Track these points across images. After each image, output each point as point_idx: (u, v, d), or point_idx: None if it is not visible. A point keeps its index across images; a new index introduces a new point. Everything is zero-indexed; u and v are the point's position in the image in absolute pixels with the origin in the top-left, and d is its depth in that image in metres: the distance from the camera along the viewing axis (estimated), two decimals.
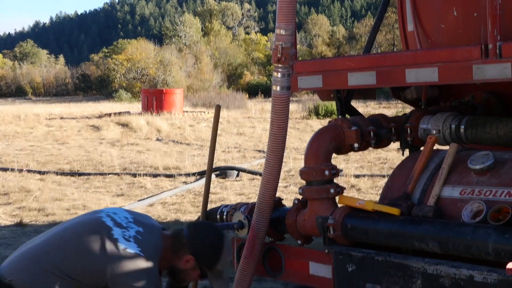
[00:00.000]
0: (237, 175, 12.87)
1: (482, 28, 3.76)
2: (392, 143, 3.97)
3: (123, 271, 3.22)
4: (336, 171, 3.63)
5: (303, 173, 3.66)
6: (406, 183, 3.48)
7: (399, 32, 5.00)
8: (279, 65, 3.34)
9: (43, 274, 3.27)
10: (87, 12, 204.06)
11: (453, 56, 3.36)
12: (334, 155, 3.73)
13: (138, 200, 10.80)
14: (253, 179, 12.51)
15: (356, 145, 3.69)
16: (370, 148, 3.88)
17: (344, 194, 3.63)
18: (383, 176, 11.46)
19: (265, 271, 3.90)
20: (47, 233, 3.56)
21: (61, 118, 28.41)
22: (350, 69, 3.78)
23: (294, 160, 14.17)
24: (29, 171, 14.12)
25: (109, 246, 3.26)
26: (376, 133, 3.76)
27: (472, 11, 4.01)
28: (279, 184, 10.84)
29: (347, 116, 4.19)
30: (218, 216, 4.18)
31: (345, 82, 3.78)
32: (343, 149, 3.74)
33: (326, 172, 3.57)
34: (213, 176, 12.53)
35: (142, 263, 3.25)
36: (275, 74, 3.41)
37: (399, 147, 3.94)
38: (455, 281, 2.93)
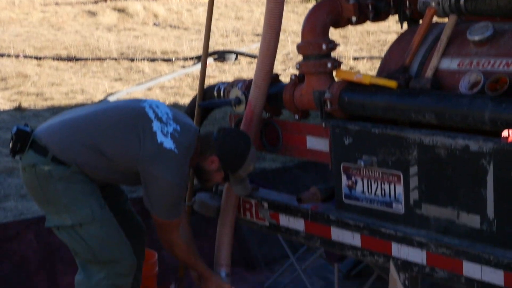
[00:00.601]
0: (236, 59, 12.78)
1: None
2: (391, 17, 3.91)
3: (155, 164, 3.27)
4: (333, 45, 3.59)
5: (300, 48, 3.62)
6: (404, 56, 3.44)
7: None
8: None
9: (80, 147, 3.32)
10: None
11: None
12: (332, 35, 3.68)
13: (137, 84, 10.78)
14: (251, 62, 12.43)
15: (354, 18, 3.63)
16: (370, 30, 3.82)
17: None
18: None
19: (262, 146, 3.93)
20: (89, 108, 3.68)
21: (56, 3, 27.92)
22: None
23: (292, 43, 14.01)
24: (25, 56, 14.01)
25: (147, 137, 3.30)
26: (375, 6, 3.69)
27: None
28: (277, 67, 10.81)
29: None
30: (215, 93, 4.17)
31: None
32: (340, 23, 3.68)
33: (324, 46, 3.53)
34: (211, 60, 12.44)
35: (175, 160, 3.30)
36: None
37: (397, 20, 3.88)
38: (450, 151, 2.96)
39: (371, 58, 12.01)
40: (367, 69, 10.95)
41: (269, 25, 3.51)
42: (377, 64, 11.85)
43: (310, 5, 23.64)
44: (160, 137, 3.30)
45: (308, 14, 3.63)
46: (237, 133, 3.55)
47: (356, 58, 11.95)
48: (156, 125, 3.34)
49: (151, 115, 3.37)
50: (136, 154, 3.29)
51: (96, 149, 3.31)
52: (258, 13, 21.11)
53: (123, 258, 3.42)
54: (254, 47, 14.12)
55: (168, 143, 3.29)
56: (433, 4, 3.64)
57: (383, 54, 11.77)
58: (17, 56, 13.84)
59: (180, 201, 3.45)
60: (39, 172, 3.31)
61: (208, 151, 3.42)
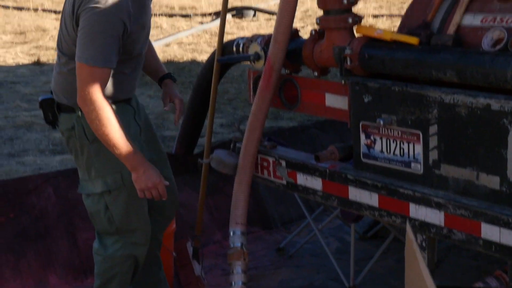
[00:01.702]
0: (254, 15, 12.68)
1: None
2: None
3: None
4: (354, 0, 3.52)
5: (320, 2, 3.56)
6: (426, 12, 3.37)
7: None
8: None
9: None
10: None
11: None
12: None
13: (155, 40, 10.73)
14: (270, 19, 12.34)
15: None
16: None
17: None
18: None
19: (281, 103, 3.89)
20: None
21: None
22: None
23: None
24: (44, 10, 13.97)
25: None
26: None
27: None
28: (296, 25, 10.70)
29: None
30: (234, 48, 4.12)
31: None
32: None
33: (344, 0, 3.46)
34: (229, 16, 12.34)
35: None
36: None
37: None
38: (471, 110, 2.90)
39: (390, 16, 11.87)
40: (387, 27, 10.84)
41: None
42: (397, 22, 11.78)
43: None
44: None
45: None
46: None
47: (375, 16, 11.82)
48: None
49: None
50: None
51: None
52: None
53: (139, 228, 3.41)
54: (273, 3, 13.99)
55: None
56: None
57: (402, 12, 11.68)
58: (35, 10, 13.80)
59: (110, 40, 3.05)
60: (78, 134, 3.26)
61: None
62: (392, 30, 10.27)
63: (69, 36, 3.15)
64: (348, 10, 3.49)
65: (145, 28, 3.31)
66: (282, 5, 3.52)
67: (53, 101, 3.33)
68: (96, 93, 3.03)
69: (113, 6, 3.02)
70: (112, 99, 3.23)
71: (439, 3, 3.35)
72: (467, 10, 3.23)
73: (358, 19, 3.51)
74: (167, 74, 3.73)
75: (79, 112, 3.20)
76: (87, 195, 3.37)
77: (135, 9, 3.14)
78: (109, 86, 3.21)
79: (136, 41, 3.23)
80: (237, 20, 12.41)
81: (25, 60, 9.81)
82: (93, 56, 3.02)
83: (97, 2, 2.99)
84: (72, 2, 3.10)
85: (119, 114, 3.16)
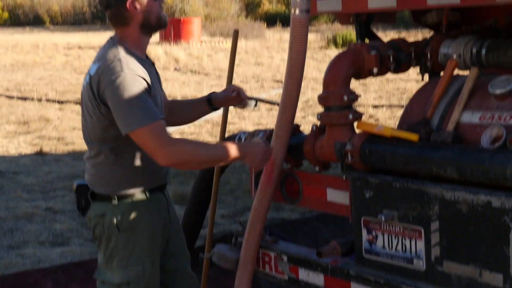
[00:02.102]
0: (255, 105, 12.81)
1: None
2: (411, 68, 3.90)
3: (103, 77, 3.10)
4: (354, 96, 3.58)
5: (321, 99, 3.62)
6: (425, 109, 3.43)
7: None
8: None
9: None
10: None
11: None
12: (352, 84, 3.68)
13: None
14: (271, 109, 12.49)
15: (375, 69, 3.63)
16: (389, 78, 3.83)
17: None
18: (402, 107, 11.39)
19: (282, 198, 3.90)
20: None
21: (79, 47, 28.33)
22: None
23: (312, 90, 14.09)
24: (48, 100, 14.17)
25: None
26: (396, 58, 3.69)
27: None
28: (297, 114, 10.84)
29: (367, 40, 4.12)
30: None
31: (365, 4, 3.69)
32: (362, 74, 3.68)
33: (345, 97, 3.52)
34: (231, 106, 12.51)
35: (111, 56, 3.11)
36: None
37: (418, 72, 3.88)
38: (472, 207, 2.91)
39: (390, 106, 12.02)
40: (387, 118, 10.95)
41: (290, 75, 3.51)
42: (397, 112, 11.90)
43: (330, 52, 23.85)
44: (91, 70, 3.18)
45: (330, 64, 3.63)
46: None
47: (375, 106, 11.96)
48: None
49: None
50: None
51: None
52: (278, 59, 21.27)
53: None
54: (274, 93, 14.21)
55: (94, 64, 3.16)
56: (455, 56, 3.65)
57: (402, 102, 11.82)
58: (39, 100, 13.99)
59: (146, 97, 3.09)
60: (108, 222, 3.25)
61: (119, 7, 3.15)
62: (392, 120, 10.33)
63: (98, 122, 3.16)
64: (348, 106, 3.55)
65: (157, 92, 3.35)
66: (283, 100, 3.58)
67: (88, 188, 3.34)
68: (168, 144, 3.04)
69: (131, 69, 3.08)
70: (148, 187, 3.26)
71: (438, 100, 3.41)
72: (465, 107, 3.28)
73: (358, 115, 3.57)
74: (206, 96, 3.75)
75: (115, 201, 3.22)
76: (103, 282, 3.34)
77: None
78: (141, 172, 3.24)
79: (157, 105, 3.26)
80: (239, 110, 12.56)
81: (27, 150, 9.89)
82: (141, 117, 3.02)
83: (116, 72, 3.04)
84: (89, 87, 3.14)
85: (153, 206, 3.20)
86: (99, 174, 3.26)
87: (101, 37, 36.86)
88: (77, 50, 26.89)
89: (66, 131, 10.91)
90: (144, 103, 3.05)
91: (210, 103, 3.74)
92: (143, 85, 3.09)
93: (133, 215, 3.21)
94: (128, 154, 3.21)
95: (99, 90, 3.07)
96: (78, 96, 14.94)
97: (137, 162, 3.22)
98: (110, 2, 3.16)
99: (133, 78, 3.05)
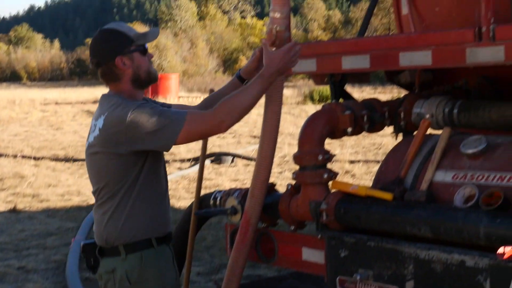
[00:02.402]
0: (232, 161, 12.86)
1: (476, 11, 3.74)
2: (385, 127, 3.95)
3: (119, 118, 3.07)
4: (329, 156, 3.61)
5: (296, 158, 3.65)
6: (399, 168, 3.46)
7: (394, 15, 4.97)
8: (273, 49, 3.31)
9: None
10: None
11: (446, 39, 3.34)
12: (328, 140, 3.72)
13: None
14: (248, 165, 12.50)
15: (349, 129, 3.67)
16: (365, 133, 3.87)
17: (337, 179, 3.62)
18: (378, 162, 11.45)
19: (258, 257, 3.89)
20: None
21: (56, 103, 28.36)
22: (344, 53, 3.75)
23: (288, 145, 14.16)
24: (23, 156, 14.10)
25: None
26: (370, 118, 3.74)
27: None
28: (274, 170, 10.84)
29: (341, 100, 4.17)
30: (211, 202, 4.16)
31: (339, 65, 3.76)
32: (336, 134, 3.72)
33: (320, 157, 3.55)
34: (207, 162, 12.51)
35: (116, 101, 3.12)
36: None
37: (393, 131, 3.92)
38: (446, 266, 2.93)
39: (366, 161, 12.10)
40: (363, 173, 11.01)
41: (265, 135, 3.54)
42: (373, 167, 11.93)
43: (307, 107, 24.01)
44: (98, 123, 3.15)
45: (305, 124, 3.67)
46: (98, 32, 3.31)
47: (352, 162, 12.03)
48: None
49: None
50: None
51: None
52: (255, 115, 21.38)
53: None
54: (251, 149, 14.24)
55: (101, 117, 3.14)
56: (427, 116, 3.71)
57: (378, 158, 11.88)
58: (15, 156, 13.92)
59: (163, 109, 3.12)
60: (120, 277, 3.19)
61: (109, 65, 3.16)
62: (368, 175, 10.36)
63: (119, 158, 3.11)
64: (323, 165, 3.57)
65: None
66: (258, 160, 3.60)
67: (95, 246, 3.31)
68: (213, 116, 3.06)
69: (139, 100, 3.15)
70: (156, 235, 3.21)
71: (412, 159, 3.45)
72: (438, 166, 3.32)
73: (333, 174, 3.59)
74: (235, 75, 3.63)
75: (124, 255, 3.19)
76: None
77: None
78: (143, 221, 3.19)
79: None
80: (216, 166, 12.57)
81: (1, 207, 9.78)
82: (175, 121, 3.02)
83: (128, 107, 3.05)
84: (102, 137, 3.11)
85: (161, 257, 3.17)
86: (110, 222, 3.23)
87: (79, 92, 36.96)
88: (54, 106, 26.91)
89: (41, 188, 10.83)
90: (167, 111, 3.09)
91: (241, 79, 3.67)
92: (153, 104, 3.16)
93: (142, 266, 3.18)
94: (140, 199, 3.19)
95: (119, 132, 3.07)
96: (53, 152, 14.92)
97: (148, 208, 3.22)
98: (100, 60, 3.21)
99: (143, 104, 3.11)
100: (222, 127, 3.08)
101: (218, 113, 3.07)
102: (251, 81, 3.19)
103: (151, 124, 3.02)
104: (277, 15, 3.27)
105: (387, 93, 27.73)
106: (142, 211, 3.22)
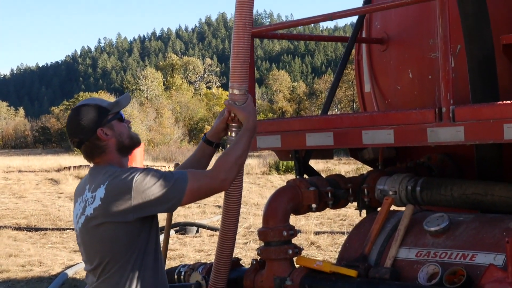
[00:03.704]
0: (197, 231, 12.77)
1: (437, 90, 3.85)
2: (349, 203, 4.00)
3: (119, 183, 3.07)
4: (294, 232, 3.63)
5: (261, 234, 3.66)
6: (363, 244, 3.49)
7: (357, 92, 5.08)
8: (233, 125, 3.35)
9: None
10: (49, 65, 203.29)
11: (408, 118, 3.42)
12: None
13: None
14: (213, 235, 12.43)
15: (314, 205, 3.71)
16: None
17: (303, 253, 3.63)
18: (343, 233, 11.47)
19: None
20: None
21: (19, 171, 28.03)
22: (308, 130, 3.82)
23: (254, 216, 14.12)
24: None
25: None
26: (334, 194, 3.79)
27: (426, 74, 4.11)
28: (238, 241, 10.75)
29: (305, 176, 4.22)
30: (175, 276, 4.13)
31: (303, 142, 3.82)
32: (301, 210, 3.75)
33: (284, 233, 3.57)
34: (172, 232, 12.41)
35: (112, 172, 3.11)
36: (229, 133, 3.41)
37: (356, 207, 3.97)
38: None
39: (331, 232, 12.10)
40: (328, 244, 11.00)
41: (227, 210, 3.52)
42: (338, 239, 11.86)
43: (272, 177, 23.93)
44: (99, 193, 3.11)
45: (269, 200, 3.70)
46: (72, 112, 3.31)
47: (317, 233, 12.02)
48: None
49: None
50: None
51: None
52: None
53: None
54: (216, 219, 14.17)
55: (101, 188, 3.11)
56: (391, 193, 3.76)
57: (343, 229, 11.81)
58: None
59: (164, 172, 3.14)
60: None
61: (92, 139, 3.16)
62: (333, 247, 10.29)
63: (127, 227, 3.06)
64: (288, 241, 3.59)
65: None
66: (221, 235, 3.57)
67: None
68: (214, 174, 3.11)
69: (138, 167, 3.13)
70: None
71: (376, 236, 3.48)
72: (402, 244, 3.35)
73: (298, 250, 3.61)
74: (202, 139, 3.63)
75: None
76: None
77: None
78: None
79: None
80: (180, 236, 12.47)
81: None
82: (180, 179, 3.04)
83: (132, 173, 3.04)
84: (105, 206, 3.05)
85: None
86: None
87: (42, 160, 36.60)
88: (17, 174, 26.59)
89: (2, 258, 10.61)
90: (169, 173, 3.11)
91: (208, 142, 3.66)
92: (153, 169, 3.15)
93: None
94: (146, 267, 3.14)
95: (125, 200, 3.04)
96: (15, 221, 14.68)
97: (152, 275, 3.16)
98: (82, 138, 3.21)
99: (145, 169, 3.11)
100: (225, 185, 3.14)
101: (219, 171, 3.11)
102: (238, 136, 3.23)
103: (157, 188, 3.02)
104: (236, 91, 3.33)
105: (351, 164, 27.98)
106: (148, 279, 3.18)
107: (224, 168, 3.13)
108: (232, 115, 3.31)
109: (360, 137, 3.55)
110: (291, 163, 25.59)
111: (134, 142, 3.30)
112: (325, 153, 4.47)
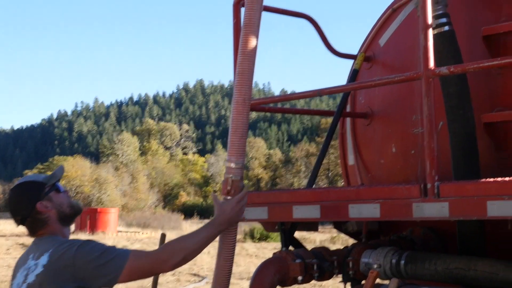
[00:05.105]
0: None
1: (420, 165, 3.95)
2: (335, 276, 4.03)
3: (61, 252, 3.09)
4: None
5: None
6: None
7: (340, 165, 5.17)
8: (228, 198, 3.40)
9: None
10: (24, 128, 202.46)
11: (394, 193, 3.50)
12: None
13: None
14: None
15: (300, 277, 3.74)
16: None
17: None
18: None
19: None
20: None
21: None
22: (295, 202, 3.87)
23: (230, 285, 14.00)
24: None
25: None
26: (319, 266, 3.82)
27: (410, 149, 4.21)
28: None
29: (291, 248, 4.25)
30: None
31: (290, 214, 3.87)
32: (287, 281, 3.78)
33: None
34: None
35: (51, 241, 3.15)
36: None
37: (341, 280, 4.00)
38: None
39: None
40: None
41: (218, 281, 3.52)
42: None
43: (247, 245, 23.72)
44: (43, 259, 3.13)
45: (256, 272, 3.72)
46: (10, 192, 3.38)
47: None
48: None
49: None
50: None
51: None
52: None
53: None
54: (191, 287, 14.04)
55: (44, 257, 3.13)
56: (375, 266, 3.80)
57: None
58: None
59: (107, 246, 3.16)
60: None
61: (33, 214, 3.21)
62: None
63: None
64: None
65: None
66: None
67: None
68: (159, 255, 3.12)
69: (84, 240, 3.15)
70: None
71: None
72: None
73: None
74: None
75: None
76: None
77: None
78: None
79: None
80: None
81: None
82: (121, 254, 3.05)
83: (75, 243, 3.07)
84: (48, 273, 3.06)
85: None
86: None
87: (13, 225, 36.01)
88: None
89: None
90: (111, 247, 3.12)
91: None
92: (97, 241, 3.17)
93: None
94: None
95: (66, 267, 3.06)
96: None
97: None
98: (24, 214, 3.28)
99: (87, 240, 3.13)
100: (165, 267, 3.14)
101: (163, 252, 3.14)
102: (202, 226, 3.28)
103: (95, 261, 3.05)
104: (233, 165, 3.39)
105: (326, 233, 27.99)
106: None
107: (169, 251, 3.16)
108: (229, 188, 3.37)
109: (347, 211, 3.61)
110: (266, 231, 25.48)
111: (75, 210, 3.38)
112: (311, 225, 4.52)
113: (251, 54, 3.36)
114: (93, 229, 27.86)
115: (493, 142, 3.84)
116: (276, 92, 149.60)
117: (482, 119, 3.84)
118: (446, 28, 3.82)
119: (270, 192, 4.13)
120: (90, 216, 28.78)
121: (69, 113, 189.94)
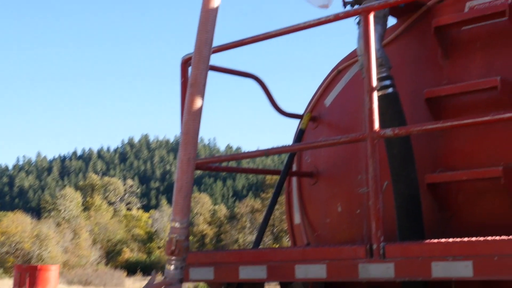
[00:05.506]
0: None
1: (365, 225, 3.98)
2: None
3: None
4: None
5: None
6: None
7: (286, 223, 5.17)
8: (173, 258, 3.37)
9: None
10: None
11: (340, 254, 3.51)
12: None
13: None
14: None
15: None
16: None
17: None
18: None
19: None
20: None
21: None
22: (241, 263, 3.85)
23: None
24: None
25: None
26: None
27: (355, 208, 4.25)
28: None
29: None
30: None
31: (236, 275, 3.84)
32: None
33: None
34: None
35: None
36: (168, 266, 3.41)
37: None
38: None
39: None
40: None
41: None
42: None
43: None
44: None
45: None
46: None
47: None
48: None
49: None
50: None
51: None
52: None
53: None
54: None
55: None
56: None
57: None
58: None
59: None
60: None
61: None
62: None
63: None
64: None
65: None
66: None
67: None
68: None
69: None
70: None
71: None
72: None
73: None
74: None
75: None
76: None
77: None
78: None
79: None
80: None
81: None
82: None
83: None
84: None
85: None
86: None
87: None
88: None
89: None
90: None
91: None
92: None
93: None
94: None
95: None
96: None
97: None
98: None
99: None
100: None
101: None
102: None
103: None
104: (177, 225, 3.37)
105: None
106: None
107: None
108: (173, 248, 3.34)
109: (293, 271, 3.60)
110: None
111: None
112: (257, 286, 4.48)
113: (197, 114, 3.38)
114: (32, 287, 27.06)
115: (436, 203, 3.90)
116: (222, 147, 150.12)
117: (426, 179, 3.91)
118: (390, 90, 3.91)
119: (216, 252, 4.11)
120: (29, 273, 27.92)
121: (10, 167, 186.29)
